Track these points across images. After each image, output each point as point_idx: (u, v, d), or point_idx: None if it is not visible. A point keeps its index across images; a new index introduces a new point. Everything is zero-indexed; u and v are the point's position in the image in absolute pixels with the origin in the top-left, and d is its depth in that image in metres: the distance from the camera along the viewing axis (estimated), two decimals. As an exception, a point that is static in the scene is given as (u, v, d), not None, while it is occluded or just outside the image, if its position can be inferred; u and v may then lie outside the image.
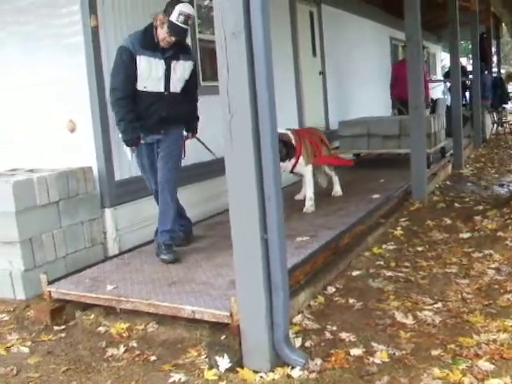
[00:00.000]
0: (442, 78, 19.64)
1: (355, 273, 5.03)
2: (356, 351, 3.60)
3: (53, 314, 4.41)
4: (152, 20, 4.85)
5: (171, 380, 3.46)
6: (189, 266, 4.77)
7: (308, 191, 6.57)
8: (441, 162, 9.60)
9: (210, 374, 3.47)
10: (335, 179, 7.35)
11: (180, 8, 4.70)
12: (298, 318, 4.11)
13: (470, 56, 14.96)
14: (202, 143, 5.51)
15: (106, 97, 5.34)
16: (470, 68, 15.48)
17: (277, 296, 3.35)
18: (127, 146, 4.96)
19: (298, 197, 7.11)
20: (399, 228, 6.37)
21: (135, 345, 4.00)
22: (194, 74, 5.19)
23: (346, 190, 7.40)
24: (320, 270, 4.80)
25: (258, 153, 3.20)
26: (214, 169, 5.85)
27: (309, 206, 6.45)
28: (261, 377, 3.38)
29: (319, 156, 6.81)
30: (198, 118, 5.39)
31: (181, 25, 4.71)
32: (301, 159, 6.44)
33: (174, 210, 5.06)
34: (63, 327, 4.40)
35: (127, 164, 5.58)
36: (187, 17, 4.72)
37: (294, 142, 6.32)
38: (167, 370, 3.59)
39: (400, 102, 11.06)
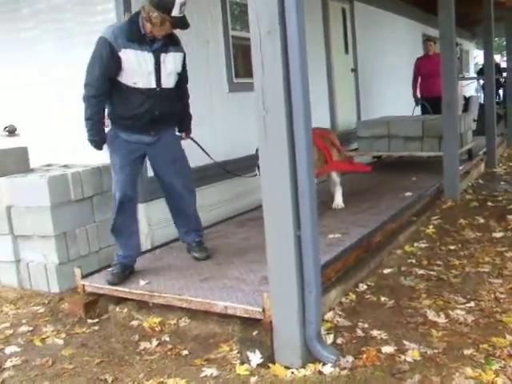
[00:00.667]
0: (475, 76, 19.40)
1: (387, 271, 5.01)
2: (387, 349, 3.59)
3: (86, 308, 4.48)
4: (139, 10, 4.41)
5: (203, 374, 3.49)
6: (220, 262, 4.80)
7: (338, 187, 6.33)
8: (473, 161, 9.47)
9: (241, 369, 3.49)
10: (337, 189, 6.55)
11: (178, 0, 4.27)
12: (329, 315, 4.11)
13: (505, 53, 14.69)
14: (197, 144, 5.12)
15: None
16: (504, 65, 15.22)
17: (309, 293, 3.36)
18: (92, 146, 4.57)
19: None
20: (431, 226, 6.32)
21: (167, 339, 4.04)
22: (184, 66, 4.75)
23: (377, 188, 7.37)
24: (351, 267, 4.79)
25: (292, 149, 3.21)
26: (244, 165, 5.86)
27: (338, 202, 6.24)
28: (292, 373, 3.39)
29: (330, 162, 6.20)
30: (191, 116, 5.00)
31: (183, 14, 4.36)
32: None
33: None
34: (96, 320, 4.46)
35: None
36: (184, 3, 4.32)
37: None
38: (199, 365, 3.62)
39: (424, 99, 10.81)
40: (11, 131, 6.49)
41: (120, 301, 4.50)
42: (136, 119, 4.47)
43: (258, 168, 4.77)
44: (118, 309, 4.52)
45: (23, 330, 4.38)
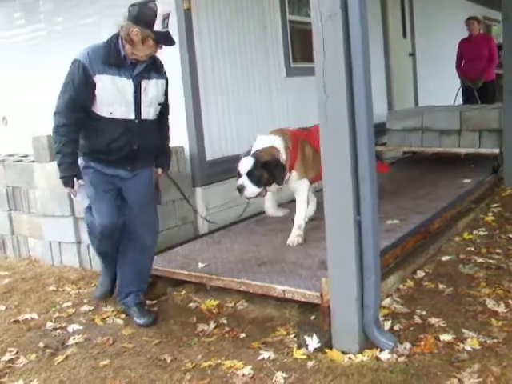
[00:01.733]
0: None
1: (445, 258, 4.95)
2: (446, 337, 3.56)
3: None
4: (118, 31, 3.92)
5: (261, 357, 3.52)
6: (278, 246, 4.82)
7: (298, 216, 4.88)
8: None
9: (298, 353, 3.51)
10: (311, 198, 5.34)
11: (160, 11, 3.76)
12: (386, 302, 4.09)
13: None
14: (174, 182, 4.80)
15: (199, 78, 5.42)
16: None
17: (368, 278, 3.35)
18: (63, 184, 4.00)
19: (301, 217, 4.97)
20: (490, 214, 6.20)
21: (225, 321, 4.09)
22: (166, 95, 4.22)
23: (433, 175, 7.26)
24: (409, 253, 4.75)
25: (353, 134, 3.19)
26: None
27: (295, 235, 4.83)
28: (349, 358, 3.39)
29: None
30: (170, 150, 4.54)
31: (167, 29, 3.85)
32: (293, 172, 4.86)
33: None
34: (155, 302, 4.55)
35: (218, 144, 5.66)
36: (168, 16, 3.84)
37: (283, 155, 4.71)
38: (256, 348, 3.66)
39: (467, 80, 10.12)
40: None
41: (178, 283, 4.57)
42: (112, 153, 3.98)
43: (239, 175, 4.63)
44: (176, 291, 4.61)
45: (85, 310, 4.50)
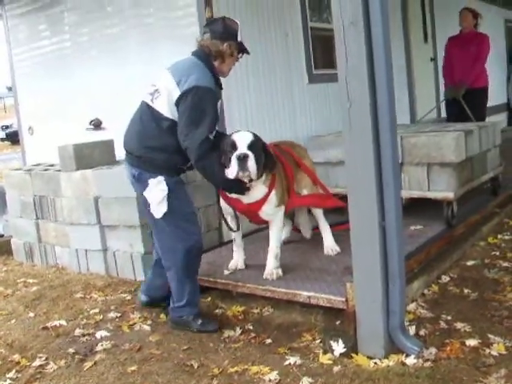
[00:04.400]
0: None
1: (470, 263, 4.94)
2: (472, 342, 3.54)
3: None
4: (203, 49, 4.07)
5: (287, 362, 3.53)
6: (302, 252, 4.84)
7: (273, 245, 4.37)
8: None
9: (324, 359, 3.52)
10: (325, 227, 4.86)
11: (238, 24, 4.10)
12: (411, 306, 4.09)
13: None
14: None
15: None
16: None
17: (393, 283, 3.36)
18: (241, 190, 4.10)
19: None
20: (515, 218, 6.19)
21: (251, 327, 4.11)
22: None
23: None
24: (434, 258, 4.75)
25: (377, 139, 3.22)
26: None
27: (271, 268, 4.32)
28: (375, 363, 3.40)
29: (292, 195, 4.58)
30: None
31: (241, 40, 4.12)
32: (272, 195, 4.24)
33: None
34: (181, 308, 4.58)
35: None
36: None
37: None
38: (283, 353, 3.67)
39: (451, 90, 8.09)
40: (97, 125, 6.72)
41: (204, 290, 4.59)
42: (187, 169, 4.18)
43: (234, 148, 3.99)
44: (202, 298, 4.62)
45: (112, 316, 4.55)
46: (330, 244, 4.79)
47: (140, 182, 4.06)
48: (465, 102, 7.72)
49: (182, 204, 4.07)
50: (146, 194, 4.01)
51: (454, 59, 7.96)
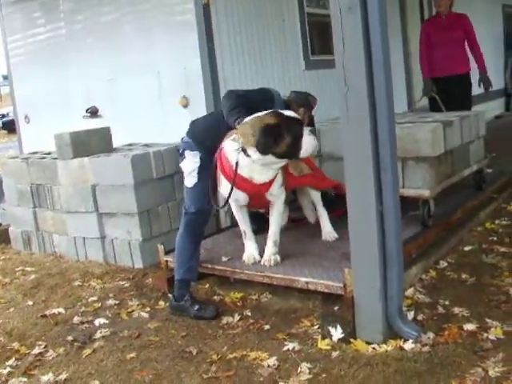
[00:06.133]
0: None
1: (467, 248, 4.94)
2: (469, 326, 3.55)
3: (170, 283, 4.55)
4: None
5: (285, 348, 3.54)
6: (300, 239, 4.83)
7: (273, 230, 4.35)
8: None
9: (323, 344, 3.52)
10: (323, 213, 4.82)
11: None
12: (409, 292, 4.09)
13: None
14: None
15: (218, 72, 5.46)
16: None
17: (391, 268, 3.37)
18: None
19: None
20: (513, 203, 6.19)
21: (249, 314, 4.12)
22: None
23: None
24: (432, 244, 4.75)
25: (375, 125, 3.20)
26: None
27: (269, 254, 4.30)
28: (373, 348, 3.41)
29: (289, 175, 4.48)
30: None
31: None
32: (278, 175, 4.22)
33: None
34: (179, 295, 4.58)
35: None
36: None
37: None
38: (281, 339, 3.68)
39: (435, 82, 7.38)
40: (93, 112, 6.71)
41: (202, 276, 4.60)
42: None
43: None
44: (199, 284, 4.65)
45: (110, 304, 4.56)
46: (327, 230, 4.75)
47: None
48: (451, 91, 7.19)
49: None
50: None
51: (435, 45, 7.26)
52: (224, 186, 4.13)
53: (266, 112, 3.96)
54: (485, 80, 7.44)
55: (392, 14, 9.02)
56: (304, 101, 4.49)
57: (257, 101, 4.27)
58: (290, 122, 3.92)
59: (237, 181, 4.00)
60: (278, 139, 3.83)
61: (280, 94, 4.51)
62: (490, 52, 10.77)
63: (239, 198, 4.20)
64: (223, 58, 5.73)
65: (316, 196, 4.77)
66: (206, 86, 5.59)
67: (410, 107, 9.03)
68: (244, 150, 3.90)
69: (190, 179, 4.29)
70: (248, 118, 3.95)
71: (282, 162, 4.05)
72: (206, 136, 4.30)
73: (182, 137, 4.40)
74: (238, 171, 3.97)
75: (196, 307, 4.16)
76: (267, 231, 4.38)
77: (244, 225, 4.40)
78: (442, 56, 7.20)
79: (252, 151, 3.87)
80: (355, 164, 3.34)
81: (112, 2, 6.42)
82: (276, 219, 4.35)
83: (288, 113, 4.00)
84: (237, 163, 3.95)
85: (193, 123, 4.47)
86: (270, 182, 4.15)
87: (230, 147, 4.00)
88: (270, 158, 3.90)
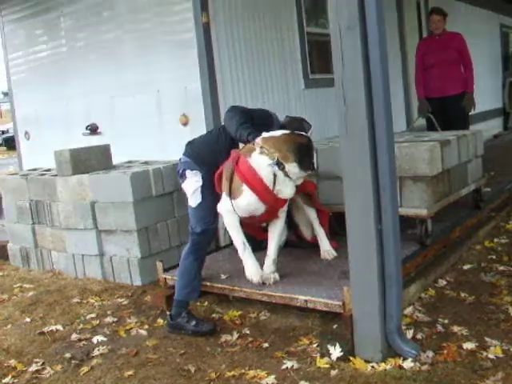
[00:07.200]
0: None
1: (466, 266, 4.94)
2: (469, 345, 3.54)
3: (168, 300, 4.55)
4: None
5: (284, 367, 3.53)
6: (299, 257, 4.82)
7: (273, 247, 4.36)
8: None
9: (322, 362, 3.51)
10: (320, 231, 4.77)
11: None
12: (408, 310, 4.09)
13: None
14: None
15: (218, 90, 5.48)
16: None
17: (390, 287, 3.37)
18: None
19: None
20: (511, 222, 6.19)
21: (248, 332, 4.11)
22: None
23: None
24: (431, 262, 4.74)
25: (373, 144, 3.22)
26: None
27: (268, 272, 4.29)
28: (372, 367, 3.40)
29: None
30: None
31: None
32: None
33: None
34: (178, 313, 4.57)
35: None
36: None
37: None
38: (280, 357, 3.67)
39: (430, 103, 7.36)
40: (93, 129, 6.73)
41: (201, 294, 4.58)
42: None
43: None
44: (198, 302, 4.64)
45: (108, 321, 4.55)
46: (326, 248, 4.71)
47: None
48: (447, 111, 7.24)
49: None
50: None
51: (429, 66, 7.32)
52: (245, 197, 4.09)
53: (287, 131, 4.18)
54: (468, 100, 7.33)
55: (391, 33, 9.09)
56: (298, 126, 4.49)
57: (257, 119, 4.32)
58: (311, 140, 4.25)
59: (263, 193, 4.06)
60: (312, 157, 4.16)
61: (277, 116, 4.56)
62: (487, 71, 10.85)
63: (258, 209, 4.18)
64: (223, 77, 5.75)
65: (312, 213, 4.73)
66: (205, 104, 5.61)
67: (409, 126, 9.05)
68: (278, 164, 3.97)
69: (194, 199, 4.31)
70: (271, 135, 4.10)
71: (303, 178, 4.25)
72: (206, 154, 4.36)
73: (180, 157, 4.44)
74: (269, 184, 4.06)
75: (193, 323, 4.16)
76: (258, 251, 4.41)
77: (242, 238, 4.32)
78: (436, 77, 7.24)
79: (291, 166, 4.02)
80: (354, 182, 3.35)
81: (113, 20, 6.46)
82: (276, 237, 4.35)
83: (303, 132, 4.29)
84: (275, 176, 4.02)
85: (190, 143, 4.52)
86: (287, 199, 4.23)
87: (261, 160, 4.02)
88: (303, 173, 4.12)
